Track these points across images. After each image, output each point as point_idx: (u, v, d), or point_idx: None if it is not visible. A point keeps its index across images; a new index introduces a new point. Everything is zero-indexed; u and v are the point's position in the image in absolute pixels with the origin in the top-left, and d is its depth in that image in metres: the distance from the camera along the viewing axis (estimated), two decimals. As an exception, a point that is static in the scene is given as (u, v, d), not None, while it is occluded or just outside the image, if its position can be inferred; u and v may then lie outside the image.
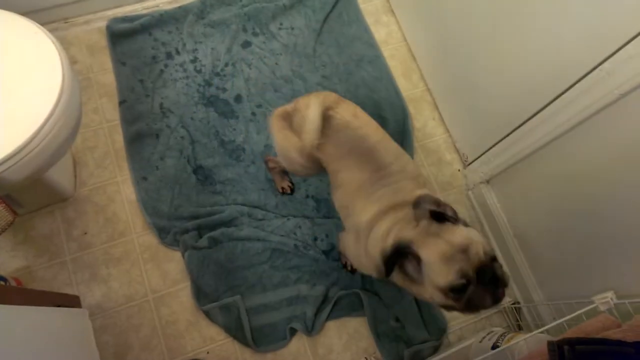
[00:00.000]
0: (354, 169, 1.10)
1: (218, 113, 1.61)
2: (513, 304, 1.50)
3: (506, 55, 1.27)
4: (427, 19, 1.66)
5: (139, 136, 1.54)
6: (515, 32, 1.21)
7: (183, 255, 1.43)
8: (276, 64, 1.70)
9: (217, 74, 1.65)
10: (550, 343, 0.84)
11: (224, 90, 1.64)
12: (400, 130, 1.66)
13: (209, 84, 1.64)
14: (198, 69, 1.65)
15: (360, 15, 1.83)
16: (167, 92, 1.61)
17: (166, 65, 1.64)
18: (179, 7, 1.70)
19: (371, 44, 1.79)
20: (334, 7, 1.81)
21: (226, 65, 1.67)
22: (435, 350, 1.44)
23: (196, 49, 1.68)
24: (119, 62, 1.62)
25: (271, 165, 1.45)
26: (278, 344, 1.40)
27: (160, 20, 1.68)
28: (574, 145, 1.14)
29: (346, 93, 1.68)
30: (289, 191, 1.53)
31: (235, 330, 1.39)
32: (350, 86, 1.70)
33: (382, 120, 1.63)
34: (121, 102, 1.57)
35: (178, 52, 1.66)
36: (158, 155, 1.53)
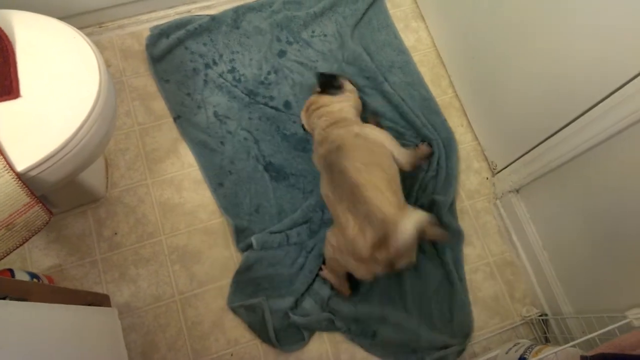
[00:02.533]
0: None
1: (274, 110, 1.64)
2: (540, 315, 1.47)
3: (539, 60, 1.24)
4: (457, 25, 1.64)
5: (205, 146, 1.58)
6: (550, 36, 1.17)
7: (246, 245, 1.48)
8: (316, 68, 1.71)
9: (262, 83, 1.67)
10: (584, 357, 0.82)
11: (272, 98, 1.66)
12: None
13: (253, 93, 1.66)
14: (237, 78, 1.68)
15: (389, 21, 1.82)
16: (216, 99, 1.64)
17: (207, 75, 1.67)
18: (212, 19, 1.72)
19: (401, 49, 1.78)
20: (364, 13, 1.81)
21: (269, 73, 1.69)
22: (459, 355, 1.42)
23: (233, 59, 1.70)
24: (163, 80, 1.64)
25: (327, 276, 1.44)
26: (300, 344, 1.41)
27: (195, 33, 1.70)
28: (610, 155, 1.11)
29: (380, 99, 1.69)
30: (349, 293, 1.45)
31: (260, 331, 1.40)
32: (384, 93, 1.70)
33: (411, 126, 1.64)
34: (176, 118, 1.61)
35: (215, 63, 1.69)
36: (228, 160, 1.56)
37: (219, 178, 1.55)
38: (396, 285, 1.47)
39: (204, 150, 1.57)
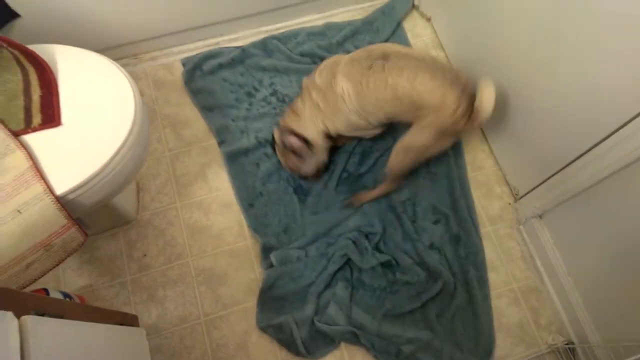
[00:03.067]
0: None
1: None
2: (567, 344, 1.44)
3: (562, 85, 1.25)
4: (476, 52, 1.67)
5: (242, 169, 1.64)
6: (574, 59, 1.18)
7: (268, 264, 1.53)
8: None
9: None
10: (607, 386, 0.81)
11: None
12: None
13: None
14: (281, 99, 1.75)
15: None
16: (259, 125, 1.70)
17: (251, 104, 1.74)
18: (243, 51, 1.80)
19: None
20: (386, 40, 1.87)
21: None
22: None
23: (273, 83, 1.77)
24: (206, 109, 1.72)
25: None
26: (332, 347, 1.44)
27: (230, 65, 1.78)
28: (635, 179, 1.10)
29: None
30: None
31: (289, 346, 1.43)
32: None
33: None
34: (220, 143, 1.67)
35: (257, 89, 1.76)
36: (260, 182, 1.62)
37: (250, 199, 1.60)
38: (419, 304, 1.47)
39: (240, 173, 1.63)
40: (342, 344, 1.45)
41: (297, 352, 1.42)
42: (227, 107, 1.72)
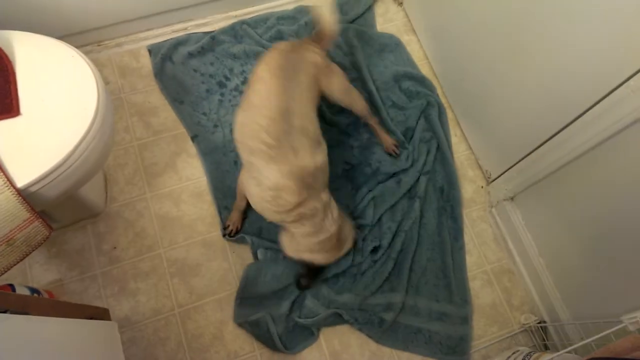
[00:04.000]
0: None
1: None
2: (539, 322, 1.48)
3: (530, 70, 1.27)
4: (448, 37, 1.67)
5: (218, 167, 1.59)
6: (540, 46, 1.20)
7: (254, 254, 1.50)
8: None
9: None
10: (576, 363, 0.83)
11: None
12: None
13: None
14: None
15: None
16: (232, 118, 1.63)
17: (222, 94, 1.69)
18: (212, 38, 1.74)
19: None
20: (352, 22, 1.86)
21: None
22: (464, 322, 1.47)
23: (244, 71, 1.73)
24: (177, 102, 1.67)
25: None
26: (311, 339, 1.44)
27: (200, 54, 1.72)
28: (602, 160, 1.13)
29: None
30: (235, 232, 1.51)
31: (266, 342, 1.42)
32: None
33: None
34: (193, 137, 1.63)
35: (228, 79, 1.71)
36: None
37: (227, 200, 1.55)
38: (393, 266, 1.49)
39: (216, 172, 1.58)
40: (327, 353, 1.44)
41: (274, 348, 1.41)
42: (198, 99, 1.68)
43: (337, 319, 1.44)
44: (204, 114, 1.66)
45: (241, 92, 1.70)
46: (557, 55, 1.15)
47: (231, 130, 1.63)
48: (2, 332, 0.71)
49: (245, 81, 1.71)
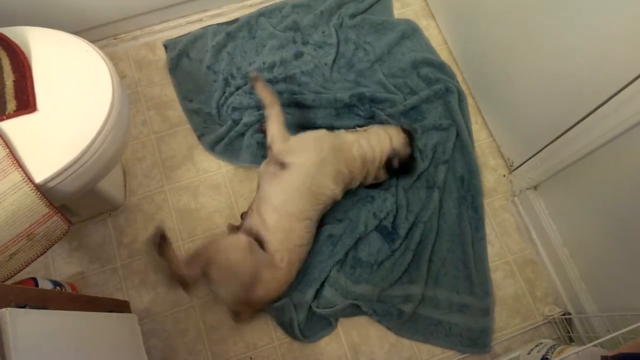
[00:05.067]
0: None
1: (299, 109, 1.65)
2: (563, 314, 1.44)
3: (553, 56, 1.22)
4: (468, 22, 1.62)
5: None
6: (563, 32, 1.15)
7: None
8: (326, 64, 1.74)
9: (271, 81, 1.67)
10: (604, 358, 0.80)
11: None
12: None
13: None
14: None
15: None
16: (238, 115, 1.64)
17: (225, 92, 1.67)
18: (228, 34, 1.73)
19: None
20: (367, 9, 1.84)
21: (280, 74, 1.69)
22: (485, 314, 1.45)
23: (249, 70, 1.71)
24: (187, 100, 1.66)
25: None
26: (329, 329, 1.44)
27: (214, 50, 1.71)
28: (629, 148, 1.08)
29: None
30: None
31: (286, 329, 1.42)
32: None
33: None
34: (200, 136, 1.62)
35: (233, 77, 1.70)
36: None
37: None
38: (412, 257, 1.48)
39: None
40: (344, 340, 1.44)
41: (293, 336, 1.41)
42: (207, 98, 1.67)
43: (355, 310, 1.43)
44: (209, 113, 1.65)
45: (244, 93, 1.66)
46: (582, 40, 1.10)
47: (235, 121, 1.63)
48: (21, 327, 0.72)
49: (246, 83, 1.68)
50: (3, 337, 0.68)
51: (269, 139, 1.40)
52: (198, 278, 1.29)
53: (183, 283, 1.29)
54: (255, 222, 1.34)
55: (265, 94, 1.43)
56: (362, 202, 1.53)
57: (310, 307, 1.42)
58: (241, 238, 1.30)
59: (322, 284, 1.44)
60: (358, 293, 1.43)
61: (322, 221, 1.48)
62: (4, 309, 0.70)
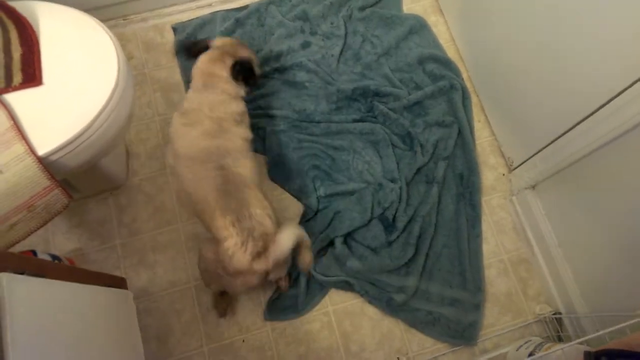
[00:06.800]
0: None
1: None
2: (554, 314, 1.45)
3: (556, 57, 1.23)
4: (476, 19, 1.63)
5: None
6: (565, 34, 1.16)
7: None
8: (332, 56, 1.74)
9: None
10: (587, 353, 0.82)
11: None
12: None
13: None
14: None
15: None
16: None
17: None
18: (237, 21, 1.74)
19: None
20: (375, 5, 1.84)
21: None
22: (477, 309, 1.46)
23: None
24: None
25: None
26: (317, 298, 1.47)
27: (223, 34, 1.72)
28: (627, 151, 1.09)
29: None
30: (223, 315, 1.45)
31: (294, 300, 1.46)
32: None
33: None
34: None
35: None
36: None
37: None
38: (414, 252, 1.49)
39: None
40: (329, 304, 1.47)
41: (295, 310, 1.44)
42: None
43: (347, 287, 1.46)
44: None
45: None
46: (585, 40, 1.11)
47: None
48: (18, 292, 0.74)
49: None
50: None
51: None
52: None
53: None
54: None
55: None
56: (370, 188, 1.54)
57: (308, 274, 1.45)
58: None
59: (320, 252, 1.48)
60: (353, 270, 1.45)
61: (332, 196, 1.54)
62: (1, 274, 0.72)
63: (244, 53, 1.34)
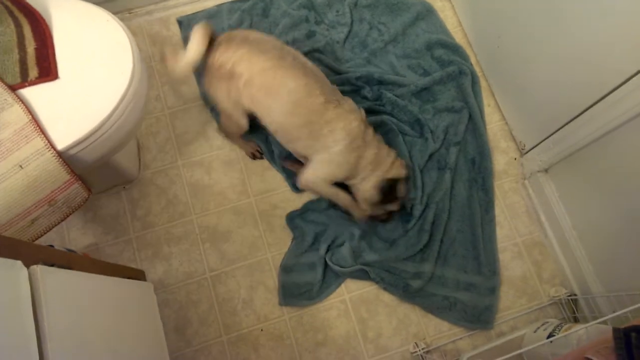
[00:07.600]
0: None
1: None
2: (569, 295, 1.46)
3: (568, 37, 1.22)
4: (483, 3, 1.62)
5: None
6: (580, 12, 1.15)
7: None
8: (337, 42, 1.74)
9: None
10: (616, 330, 0.82)
11: None
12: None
13: None
14: None
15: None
16: None
17: None
18: (242, 12, 1.73)
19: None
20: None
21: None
22: (492, 292, 1.48)
23: None
24: (199, 74, 1.65)
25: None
26: (333, 287, 1.49)
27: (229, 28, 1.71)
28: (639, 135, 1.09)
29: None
30: (259, 156, 1.59)
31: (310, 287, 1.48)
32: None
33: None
34: (212, 109, 1.62)
35: None
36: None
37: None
38: (428, 239, 1.50)
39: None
40: (345, 292, 1.48)
41: (309, 297, 1.46)
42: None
43: (363, 275, 1.47)
44: None
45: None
46: (596, 22, 1.10)
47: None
48: (49, 283, 0.74)
49: None
50: (34, 292, 0.70)
51: None
52: None
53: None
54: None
55: None
56: None
57: (325, 262, 1.46)
58: None
59: (337, 241, 1.50)
60: (368, 260, 1.46)
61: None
62: (35, 266, 0.72)
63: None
